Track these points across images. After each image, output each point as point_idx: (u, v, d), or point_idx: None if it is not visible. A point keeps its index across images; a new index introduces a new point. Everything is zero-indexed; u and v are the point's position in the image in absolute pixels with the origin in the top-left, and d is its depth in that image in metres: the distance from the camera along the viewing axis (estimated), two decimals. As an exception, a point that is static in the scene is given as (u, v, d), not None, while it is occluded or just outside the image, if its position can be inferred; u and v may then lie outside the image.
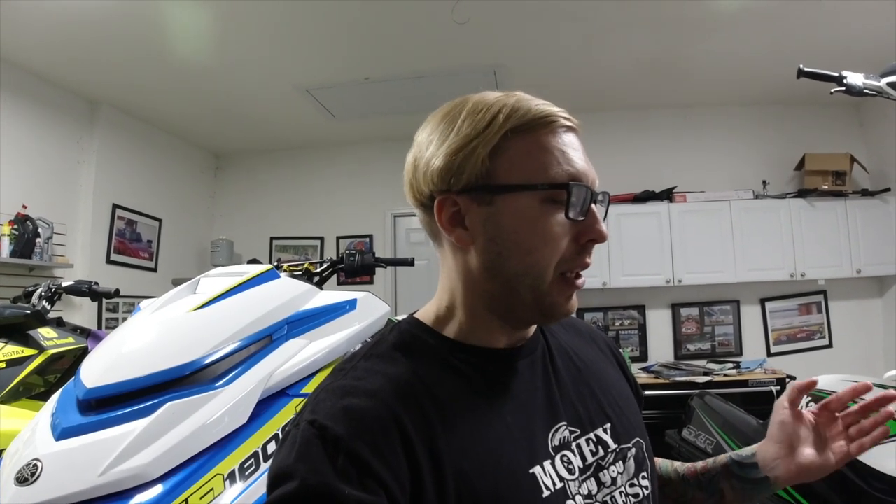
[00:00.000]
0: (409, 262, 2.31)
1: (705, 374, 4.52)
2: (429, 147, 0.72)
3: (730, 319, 5.21)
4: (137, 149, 5.05)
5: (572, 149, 0.70)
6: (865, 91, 1.65)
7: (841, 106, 5.04)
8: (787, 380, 4.31)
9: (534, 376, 0.77)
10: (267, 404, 1.30)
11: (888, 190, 4.81)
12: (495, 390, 0.72)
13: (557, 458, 0.71)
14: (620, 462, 0.77)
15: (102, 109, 4.64)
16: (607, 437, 0.77)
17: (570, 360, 0.83)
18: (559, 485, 0.69)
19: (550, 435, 0.72)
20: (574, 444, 0.74)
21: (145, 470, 1.06)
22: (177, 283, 1.64)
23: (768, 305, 5.17)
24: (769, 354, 5.10)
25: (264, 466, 1.18)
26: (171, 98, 4.70)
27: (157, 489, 1.06)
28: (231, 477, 1.13)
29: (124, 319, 4.55)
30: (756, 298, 5.18)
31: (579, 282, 0.72)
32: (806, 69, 1.73)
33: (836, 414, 0.86)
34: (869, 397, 0.84)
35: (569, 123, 0.71)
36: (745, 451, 0.89)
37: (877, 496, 1.42)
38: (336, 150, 5.96)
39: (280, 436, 1.25)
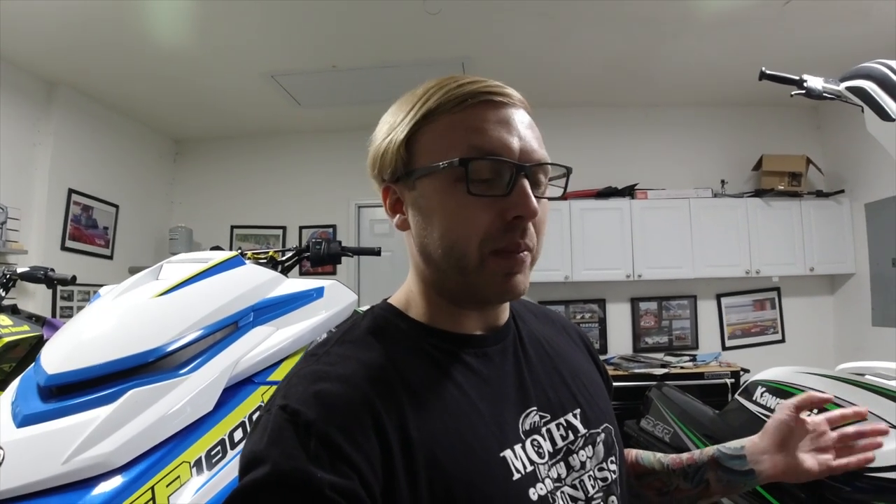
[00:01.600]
0: (376, 252, 2.31)
1: (663, 366, 4.62)
2: (372, 142, 0.77)
3: (687, 314, 5.33)
4: (96, 132, 4.89)
5: (492, 122, 0.69)
6: (825, 94, 1.70)
7: (799, 109, 5.19)
8: (742, 372, 4.43)
9: (504, 362, 0.77)
10: (233, 392, 1.29)
11: (842, 192, 4.98)
12: (467, 376, 0.72)
13: (528, 442, 0.72)
14: (590, 446, 0.78)
15: (60, 91, 4.49)
16: (577, 422, 0.78)
17: (541, 348, 0.84)
18: (529, 468, 0.70)
19: (521, 419, 0.73)
20: (544, 429, 0.75)
21: (110, 458, 1.04)
22: (133, 271, 1.61)
23: (724, 301, 5.30)
24: (724, 348, 5.24)
25: (231, 454, 1.17)
26: (131, 81, 4.57)
27: (122, 477, 1.04)
28: (198, 465, 1.12)
29: (79, 308, 4.44)
30: (712, 294, 5.31)
31: (519, 256, 0.69)
32: (768, 72, 1.78)
33: (832, 430, 0.88)
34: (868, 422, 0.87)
35: (495, 98, 0.71)
36: (734, 443, 0.92)
37: (830, 484, 1.46)
38: (300, 138, 5.88)
39: (247, 423, 1.24)
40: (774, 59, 3.95)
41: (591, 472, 0.76)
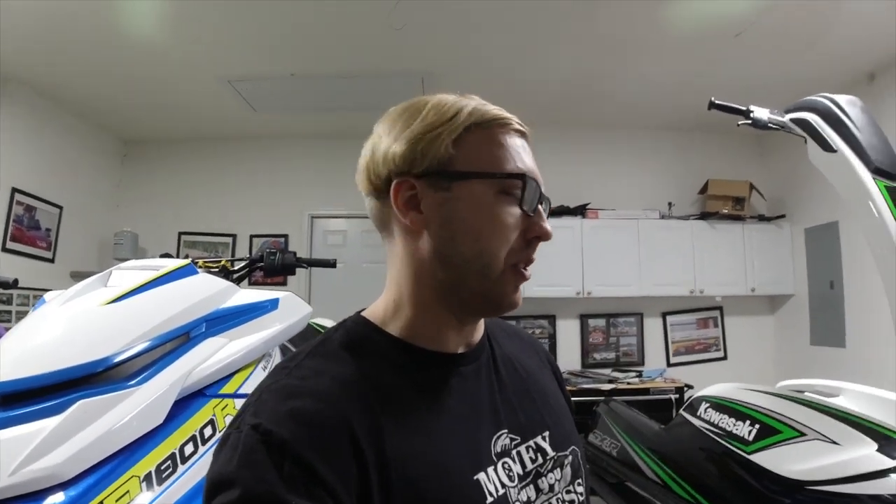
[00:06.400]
0: (332, 264, 2.29)
1: (610, 381, 4.73)
2: (390, 133, 0.74)
3: (634, 331, 5.46)
4: (42, 129, 4.72)
5: (524, 151, 0.75)
6: (770, 125, 1.78)
7: (744, 136, 5.39)
8: (686, 388, 4.57)
9: (479, 383, 0.77)
10: (184, 404, 1.25)
11: (783, 216, 5.24)
12: (442, 395, 0.71)
13: (499, 465, 0.71)
14: (558, 469, 0.78)
15: (8, 86, 4.33)
16: (546, 445, 0.78)
17: (513, 369, 0.84)
18: (501, 491, 0.69)
19: (493, 441, 0.72)
20: (514, 452, 0.74)
21: (58, 470, 1.00)
22: (75, 275, 1.56)
23: (669, 319, 5.45)
24: (669, 365, 5.39)
25: (182, 468, 1.14)
26: (82, 78, 4.44)
27: (71, 491, 1.01)
28: (147, 479, 1.09)
29: (18, 312, 4.27)
30: (658, 312, 5.46)
31: (528, 273, 0.74)
32: (717, 102, 1.85)
33: None
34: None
35: (521, 128, 0.76)
36: None
37: (771, 497, 1.52)
38: (255, 145, 5.76)
39: (198, 437, 1.22)
40: (724, 87, 4.11)
41: (559, 495, 0.76)
